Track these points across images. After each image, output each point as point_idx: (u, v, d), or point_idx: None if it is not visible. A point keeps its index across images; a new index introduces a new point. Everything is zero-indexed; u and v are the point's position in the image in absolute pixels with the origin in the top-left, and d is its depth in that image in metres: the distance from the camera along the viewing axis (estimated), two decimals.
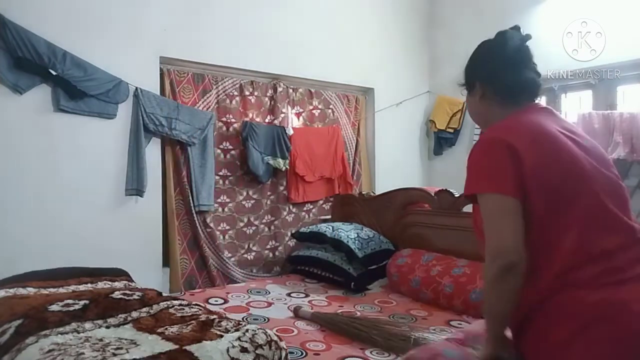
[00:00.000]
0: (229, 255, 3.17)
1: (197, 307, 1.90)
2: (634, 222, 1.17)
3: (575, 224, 1.13)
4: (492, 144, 1.21)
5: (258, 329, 1.60)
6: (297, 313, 2.35)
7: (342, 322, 2.14)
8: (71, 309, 1.73)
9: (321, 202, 3.72)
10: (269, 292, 2.79)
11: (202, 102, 3.08)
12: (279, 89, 3.42)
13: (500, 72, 1.31)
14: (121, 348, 1.46)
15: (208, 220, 3.05)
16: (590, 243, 1.12)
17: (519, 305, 1.14)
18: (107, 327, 1.67)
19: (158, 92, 2.84)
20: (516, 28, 1.36)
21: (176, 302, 1.92)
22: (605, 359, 1.05)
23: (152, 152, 2.83)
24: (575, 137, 1.22)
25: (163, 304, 1.89)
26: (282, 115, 3.45)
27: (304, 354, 1.86)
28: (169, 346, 1.46)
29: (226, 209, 3.20)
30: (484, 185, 1.19)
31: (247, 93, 3.28)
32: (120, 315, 1.76)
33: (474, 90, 1.37)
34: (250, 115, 3.30)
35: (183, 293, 2.71)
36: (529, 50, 1.33)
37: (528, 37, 1.35)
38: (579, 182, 1.16)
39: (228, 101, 3.20)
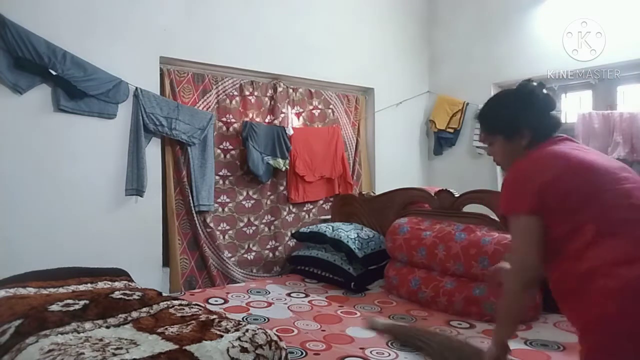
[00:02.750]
0: (229, 255, 3.17)
1: (197, 307, 1.89)
2: None
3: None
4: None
5: (258, 329, 1.60)
6: (371, 324, 2.16)
7: (419, 337, 1.94)
8: (71, 309, 1.72)
9: (321, 202, 3.72)
10: (269, 292, 2.79)
11: (202, 102, 3.08)
12: (279, 89, 3.42)
13: (544, 118, 1.41)
14: (121, 348, 1.46)
15: (208, 220, 3.05)
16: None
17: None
18: (107, 327, 1.67)
19: (158, 92, 2.84)
20: (532, 81, 1.45)
21: (176, 302, 1.92)
22: None
23: (152, 152, 2.83)
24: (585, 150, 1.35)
25: (163, 304, 1.89)
26: (282, 115, 3.45)
27: (304, 354, 1.86)
28: (169, 346, 1.46)
29: (226, 209, 3.20)
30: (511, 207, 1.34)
31: (247, 93, 3.28)
32: (120, 315, 1.76)
33: (518, 135, 1.40)
34: (250, 115, 3.30)
35: (183, 293, 2.71)
36: (554, 98, 1.45)
37: (544, 85, 1.45)
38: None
39: (228, 101, 3.20)
